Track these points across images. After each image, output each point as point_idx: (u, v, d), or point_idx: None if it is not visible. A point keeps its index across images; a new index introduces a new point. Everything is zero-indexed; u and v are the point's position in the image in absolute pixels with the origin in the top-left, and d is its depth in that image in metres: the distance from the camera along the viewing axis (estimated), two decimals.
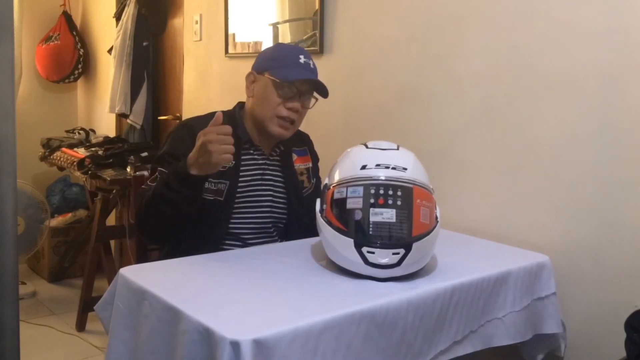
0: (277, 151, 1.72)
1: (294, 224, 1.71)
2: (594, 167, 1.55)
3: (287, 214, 1.71)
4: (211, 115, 1.71)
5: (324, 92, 1.65)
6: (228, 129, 1.40)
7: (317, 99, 1.68)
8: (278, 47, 1.70)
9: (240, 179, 1.63)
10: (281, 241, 1.72)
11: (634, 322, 1.28)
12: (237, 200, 1.62)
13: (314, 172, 1.82)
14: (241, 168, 1.64)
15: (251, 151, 1.67)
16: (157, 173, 1.59)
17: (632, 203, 1.48)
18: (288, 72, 1.58)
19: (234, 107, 1.73)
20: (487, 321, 1.42)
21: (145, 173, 1.80)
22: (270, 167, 1.70)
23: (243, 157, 1.65)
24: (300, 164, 1.76)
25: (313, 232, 1.66)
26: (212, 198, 1.59)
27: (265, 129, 1.63)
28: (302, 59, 1.61)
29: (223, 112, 1.71)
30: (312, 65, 1.63)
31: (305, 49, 2.38)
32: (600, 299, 1.56)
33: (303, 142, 1.82)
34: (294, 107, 1.60)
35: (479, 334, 1.40)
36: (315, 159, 1.85)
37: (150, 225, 1.55)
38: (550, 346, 1.60)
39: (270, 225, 1.69)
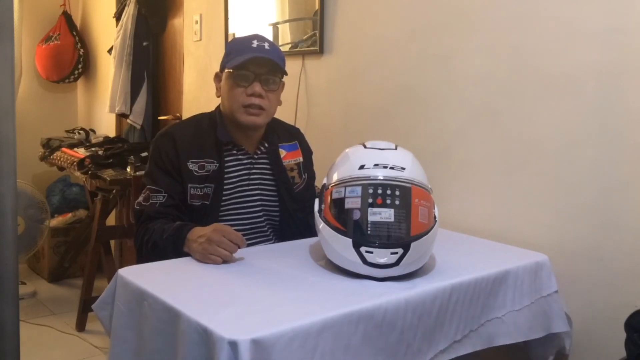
0: (262, 149, 1.71)
1: (289, 220, 1.71)
2: (594, 167, 1.55)
3: (279, 211, 1.70)
4: (192, 120, 1.72)
5: (281, 69, 1.63)
6: (238, 239, 1.40)
7: (281, 80, 1.65)
8: (232, 40, 1.70)
9: (226, 181, 1.63)
10: (277, 239, 1.71)
11: (634, 322, 1.28)
12: (224, 202, 1.63)
13: (306, 166, 1.81)
14: (225, 170, 1.63)
15: (234, 152, 1.67)
16: (147, 191, 1.60)
17: (632, 203, 1.48)
18: (240, 58, 1.57)
19: (215, 109, 1.72)
20: (487, 320, 1.42)
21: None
22: (257, 166, 1.69)
23: (226, 159, 1.64)
24: (290, 160, 1.75)
25: (309, 227, 1.67)
26: (199, 203, 1.60)
27: (237, 121, 1.62)
28: (254, 44, 1.59)
29: (205, 114, 1.73)
30: (267, 47, 1.60)
31: (305, 49, 2.39)
32: (600, 299, 1.56)
33: (293, 137, 1.81)
34: (255, 92, 1.58)
35: (479, 333, 1.40)
36: (307, 152, 1.84)
37: (151, 261, 1.54)
38: (557, 346, 1.59)
39: (264, 223, 1.69)
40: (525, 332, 1.49)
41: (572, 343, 1.60)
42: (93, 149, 3.19)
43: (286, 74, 1.65)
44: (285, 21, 2.55)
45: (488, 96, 1.79)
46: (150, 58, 3.53)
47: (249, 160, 1.68)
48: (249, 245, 1.61)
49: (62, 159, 3.23)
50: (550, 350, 1.60)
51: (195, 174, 1.60)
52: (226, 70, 1.61)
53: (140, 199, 1.61)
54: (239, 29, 2.79)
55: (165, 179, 1.60)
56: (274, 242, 1.71)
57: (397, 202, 1.28)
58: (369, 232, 1.27)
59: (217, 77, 1.69)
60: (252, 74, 1.58)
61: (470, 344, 1.38)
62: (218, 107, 1.72)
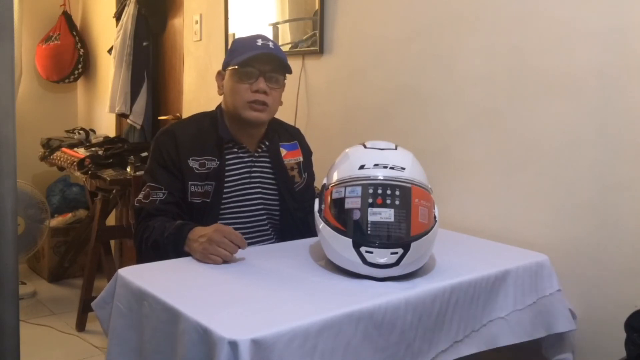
0: (263, 147, 1.71)
1: (288, 219, 1.71)
2: (593, 167, 1.55)
3: (280, 209, 1.71)
4: (193, 118, 1.72)
5: (285, 67, 1.64)
6: (239, 240, 1.40)
7: (285, 78, 1.67)
8: (236, 39, 1.72)
9: (227, 179, 1.63)
10: (278, 238, 1.72)
11: (634, 322, 1.28)
12: (224, 200, 1.63)
13: (306, 166, 1.82)
14: (226, 168, 1.64)
15: (235, 150, 1.67)
16: (147, 188, 1.61)
17: (632, 203, 1.48)
18: (245, 55, 1.58)
19: (216, 109, 1.73)
20: (490, 321, 1.42)
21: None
22: (257, 164, 1.69)
23: (227, 157, 1.65)
24: (290, 159, 1.76)
25: (308, 227, 1.67)
26: (199, 201, 1.61)
27: (241, 118, 1.62)
28: (259, 42, 1.61)
29: (206, 113, 1.73)
30: (271, 45, 1.62)
31: (305, 49, 2.40)
32: (600, 299, 1.55)
33: (292, 136, 1.82)
34: (259, 88, 1.59)
35: (482, 333, 1.40)
36: (307, 152, 1.84)
37: (151, 259, 1.53)
38: (572, 346, 1.58)
39: (265, 221, 1.69)
40: (528, 332, 1.49)
41: (573, 341, 1.61)
42: (93, 149, 3.19)
43: (290, 72, 1.66)
44: (285, 21, 2.55)
45: (488, 96, 1.79)
46: (150, 58, 3.53)
47: (250, 159, 1.68)
48: (250, 243, 1.62)
49: (62, 159, 3.23)
50: (567, 350, 1.58)
51: (196, 171, 1.61)
52: (230, 67, 1.62)
53: (140, 196, 1.62)
54: (239, 29, 2.79)
55: (166, 176, 1.60)
56: (274, 241, 1.71)
57: (397, 202, 1.28)
58: (369, 232, 1.27)
59: (220, 75, 1.70)
60: (257, 71, 1.59)
61: (473, 344, 1.38)
62: (219, 106, 1.72)
